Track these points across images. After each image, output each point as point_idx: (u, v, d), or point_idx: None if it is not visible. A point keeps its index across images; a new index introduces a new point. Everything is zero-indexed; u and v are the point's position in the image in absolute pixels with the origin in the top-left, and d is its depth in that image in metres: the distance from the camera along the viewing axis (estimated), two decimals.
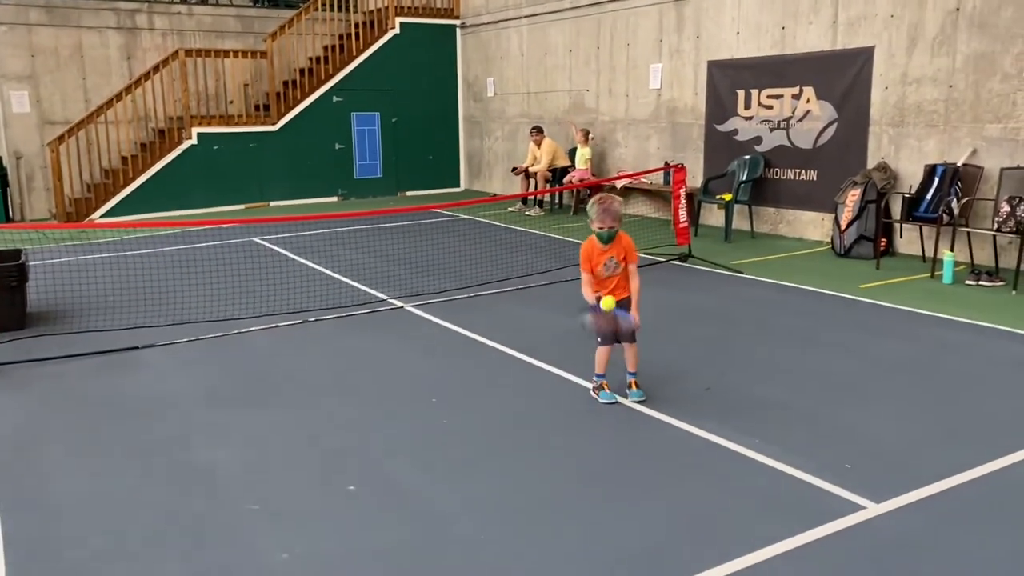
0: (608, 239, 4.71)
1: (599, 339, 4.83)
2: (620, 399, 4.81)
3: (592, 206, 4.73)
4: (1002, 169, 7.95)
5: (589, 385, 5.01)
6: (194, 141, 13.61)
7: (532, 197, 13.07)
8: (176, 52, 13.42)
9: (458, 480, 3.92)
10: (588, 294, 4.79)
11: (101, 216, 12.97)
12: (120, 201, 13.14)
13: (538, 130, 13.20)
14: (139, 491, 3.87)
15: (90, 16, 13.70)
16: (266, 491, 3.82)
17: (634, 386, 4.86)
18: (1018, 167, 7.87)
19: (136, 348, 6.10)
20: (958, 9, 8.31)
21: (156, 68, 13.32)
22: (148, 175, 13.34)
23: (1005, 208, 7.52)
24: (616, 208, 4.69)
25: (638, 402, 4.78)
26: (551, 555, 3.25)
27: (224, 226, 11.51)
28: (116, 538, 3.44)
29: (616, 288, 4.78)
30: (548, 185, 13.02)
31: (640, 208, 12.21)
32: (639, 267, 4.93)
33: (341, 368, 5.66)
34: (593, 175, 12.60)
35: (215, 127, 13.83)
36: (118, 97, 13.02)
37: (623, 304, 4.77)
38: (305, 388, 5.26)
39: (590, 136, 12.67)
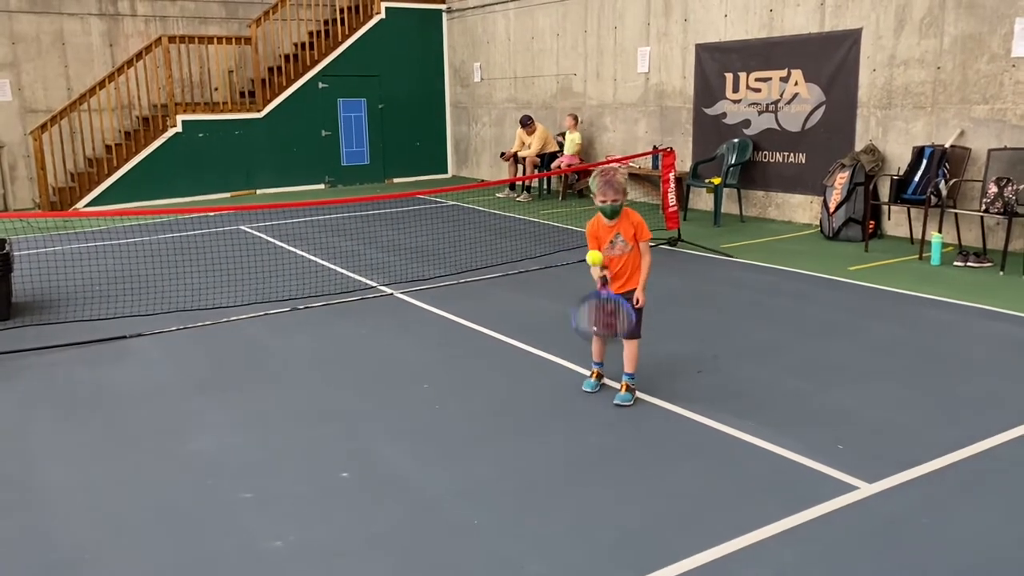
0: (612, 213, 4.47)
1: (592, 331, 4.55)
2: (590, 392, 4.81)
3: (594, 179, 4.51)
4: (989, 150, 7.97)
5: (581, 369, 5.02)
6: (179, 129, 13.49)
7: (520, 182, 13.03)
8: (159, 39, 13.28)
9: (451, 466, 3.91)
10: (595, 273, 4.55)
11: (86, 205, 12.85)
12: (105, 190, 13.02)
13: (529, 119, 13.07)
14: (130, 480, 3.84)
15: (71, 2, 13.52)
16: (258, 479, 3.80)
17: (624, 388, 4.58)
18: (1005, 148, 7.89)
19: (124, 337, 6.05)
20: None
21: (139, 55, 13.18)
22: (133, 163, 13.22)
23: (992, 189, 7.53)
24: (619, 180, 4.47)
25: (619, 405, 4.51)
26: (544, 539, 3.24)
27: (211, 214, 11.43)
28: (107, 528, 3.42)
29: (625, 269, 4.52)
30: (536, 170, 12.98)
31: (629, 193, 12.16)
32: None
33: (331, 356, 5.63)
34: (581, 160, 12.57)
35: (200, 114, 13.71)
36: (101, 85, 12.89)
37: (628, 295, 4.52)
38: (295, 376, 5.24)
39: (579, 121, 12.65)
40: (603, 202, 4.46)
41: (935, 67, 8.51)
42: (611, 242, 4.51)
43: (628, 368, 4.60)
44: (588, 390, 4.75)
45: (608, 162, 11.48)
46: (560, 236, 9.46)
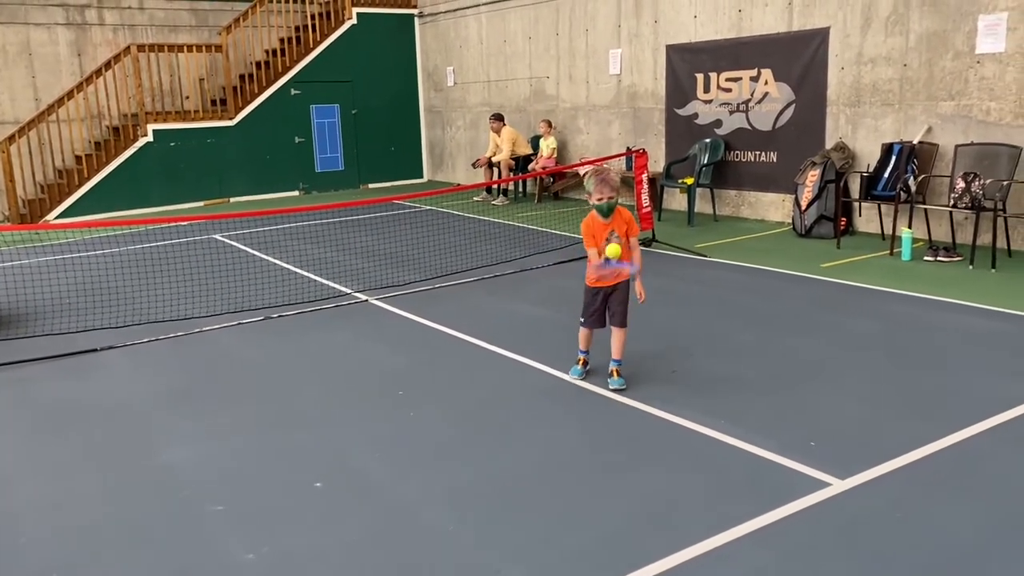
0: (608, 211, 4.68)
1: (582, 320, 4.90)
2: (595, 387, 4.83)
3: (589, 179, 4.72)
4: (956, 146, 8.06)
5: (556, 372, 5.03)
6: (150, 138, 13.36)
7: (496, 186, 13.03)
8: (128, 47, 13.15)
9: (426, 472, 3.90)
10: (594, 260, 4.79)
11: (56, 217, 12.70)
12: (76, 201, 12.88)
13: (497, 118, 13.12)
14: (101, 496, 3.79)
15: (38, 12, 13.37)
16: (231, 491, 3.77)
17: (615, 374, 4.79)
18: (972, 143, 7.99)
19: (95, 350, 5.98)
20: None
21: (108, 64, 13.04)
22: (104, 174, 13.09)
23: (960, 184, 7.63)
24: (614, 179, 4.72)
25: (616, 390, 4.72)
26: (520, 543, 3.24)
27: (183, 224, 11.34)
28: (78, 545, 3.37)
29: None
30: (512, 174, 12.98)
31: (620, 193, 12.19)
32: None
33: (305, 364, 5.60)
34: (556, 163, 12.59)
35: (171, 123, 13.60)
36: (70, 95, 12.74)
37: (618, 287, 4.80)
38: (268, 385, 5.20)
39: (552, 127, 12.67)
40: (599, 200, 4.68)
41: (902, 64, 8.60)
42: (607, 239, 4.72)
43: (617, 355, 4.84)
44: (574, 377, 4.93)
45: (584, 164, 11.50)
46: (536, 239, 9.47)
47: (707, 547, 3.13)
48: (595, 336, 5.00)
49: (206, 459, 4.13)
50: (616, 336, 4.83)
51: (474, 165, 13.73)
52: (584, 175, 4.83)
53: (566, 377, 4.97)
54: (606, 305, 4.82)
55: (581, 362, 4.98)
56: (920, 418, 4.25)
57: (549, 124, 12.64)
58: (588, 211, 4.80)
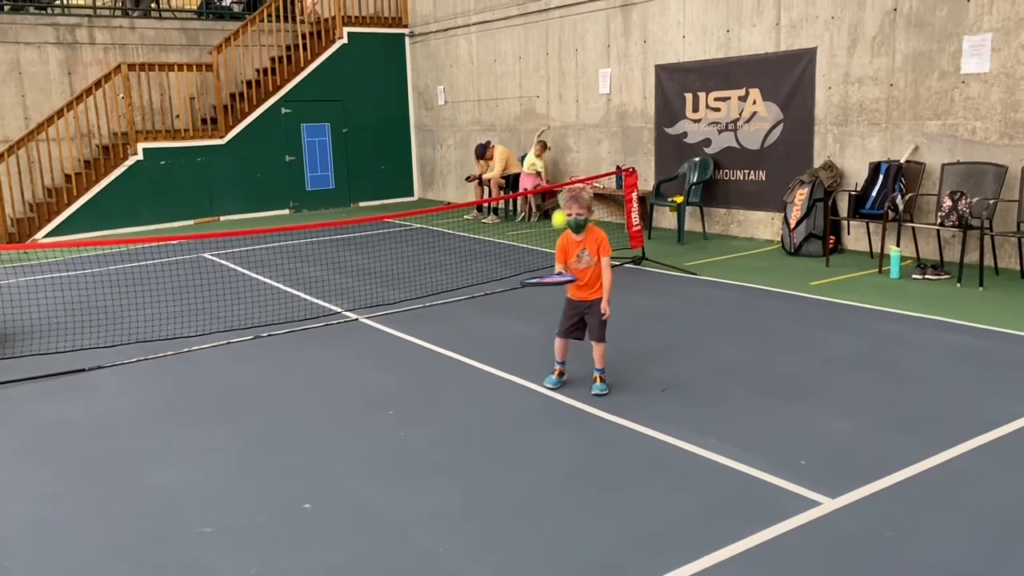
0: (577, 227, 4.86)
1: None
2: (584, 405, 4.82)
3: (562, 195, 4.92)
4: (943, 165, 8.13)
5: (546, 392, 5.04)
6: (140, 157, 13.36)
7: (487, 204, 13.06)
8: (119, 66, 13.16)
9: (416, 493, 3.88)
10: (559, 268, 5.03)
11: (45, 236, 12.66)
12: (65, 220, 12.84)
13: (482, 149, 13.11)
14: (89, 517, 3.76)
15: (28, 31, 13.37)
16: (220, 512, 3.74)
17: (598, 380, 4.99)
18: (958, 162, 8.06)
19: (83, 370, 5.95)
20: (895, 9, 8.50)
21: (98, 83, 13.04)
22: (93, 193, 13.06)
23: (947, 203, 7.69)
24: (584, 197, 4.87)
25: (598, 395, 4.90)
26: (510, 565, 3.22)
27: (173, 242, 11.32)
28: (65, 566, 3.34)
29: (590, 282, 4.92)
30: (502, 192, 13.01)
31: (594, 212, 12.22)
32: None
33: (295, 383, 5.57)
34: (547, 181, 12.62)
35: (161, 142, 13.59)
36: (59, 114, 12.73)
37: (594, 303, 4.91)
38: (258, 405, 5.17)
39: (547, 148, 12.61)
40: (568, 215, 4.87)
41: (888, 84, 8.69)
42: (578, 256, 4.92)
43: (598, 365, 5.02)
44: (550, 386, 5.07)
45: (573, 182, 11.54)
46: (527, 257, 9.48)
47: (697, 567, 3.12)
48: (579, 349, 5.10)
49: (194, 480, 4.10)
50: (596, 350, 5.01)
51: (468, 179, 13.77)
52: (560, 194, 5.06)
53: (550, 393, 5.00)
54: (583, 320, 4.99)
55: (557, 372, 5.14)
56: (910, 436, 4.26)
57: (544, 146, 12.53)
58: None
